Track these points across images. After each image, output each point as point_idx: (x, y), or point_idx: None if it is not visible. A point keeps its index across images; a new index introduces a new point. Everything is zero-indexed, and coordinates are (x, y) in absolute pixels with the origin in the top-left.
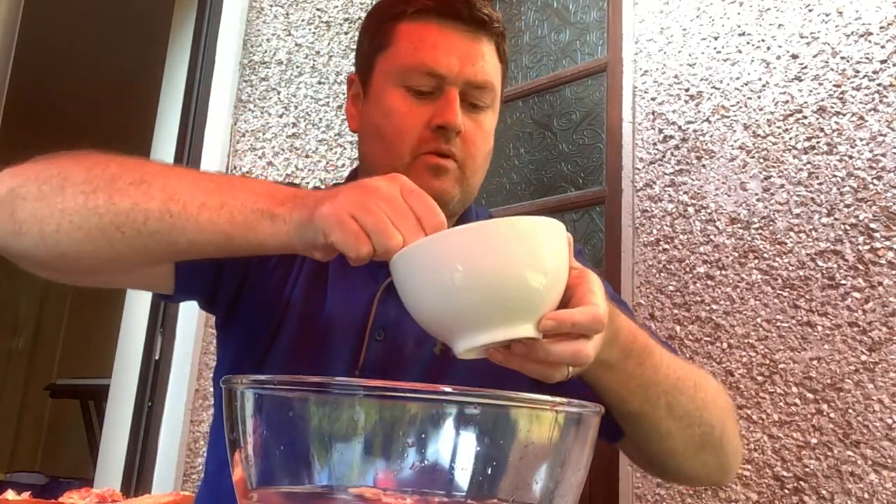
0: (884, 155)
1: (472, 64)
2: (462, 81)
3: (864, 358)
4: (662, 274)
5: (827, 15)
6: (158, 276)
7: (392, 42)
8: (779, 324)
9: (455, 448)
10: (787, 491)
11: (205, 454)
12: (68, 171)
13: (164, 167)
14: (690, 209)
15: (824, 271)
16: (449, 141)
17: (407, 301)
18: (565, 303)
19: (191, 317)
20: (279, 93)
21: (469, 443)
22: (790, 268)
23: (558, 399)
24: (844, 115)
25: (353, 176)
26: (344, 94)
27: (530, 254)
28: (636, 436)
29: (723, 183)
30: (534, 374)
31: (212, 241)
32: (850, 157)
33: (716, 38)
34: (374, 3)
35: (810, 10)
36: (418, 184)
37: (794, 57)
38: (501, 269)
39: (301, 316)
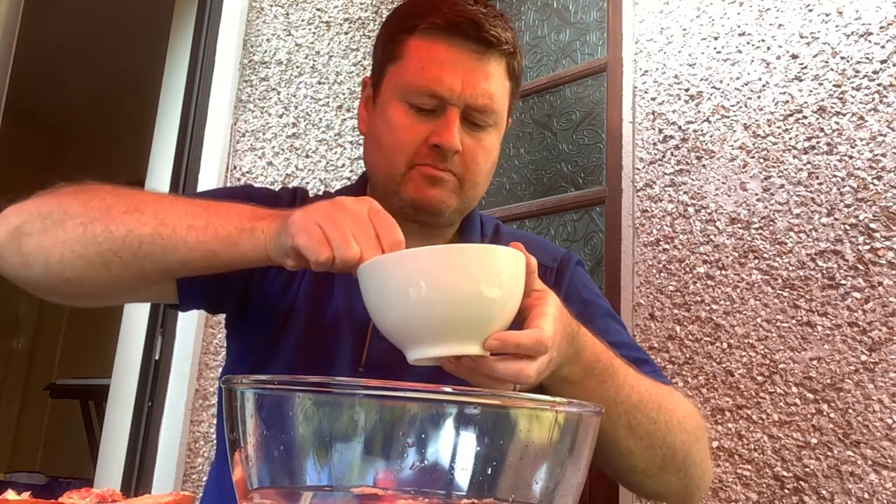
0: (884, 155)
1: (475, 87)
2: (463, 103)
3: (864, 358)
4: (662, 274)
5: (827, 15)
6: (161, 292)
7: (402, 56)
8: (779, 324)
9: (455, 448)
10: (787, 491)
11: (205, 454)
12: (67, 205)
13: (155, 195)
14: (690, 209)
15: (824, 271)
16: (446, 160)
17: (370, 308)
18: (520, 323)
19: (191, 317)
20: (279, 93)
21: (469, 443)
22: (790, 268)
23: (558, 399)
24: (844, 115)
25: (364, 180)
26: (343, 94)
27: (483, 280)
28: (598, 451)
29: (723, 183)
30: (480, 386)
31: (200, 257)
32: (850, 157)
33: (716, 38)
34: (374, 4)
35: (810, 10)
36: (414, 192)
37: (794, 57)
38: (457, 290)
39: (306, 315)
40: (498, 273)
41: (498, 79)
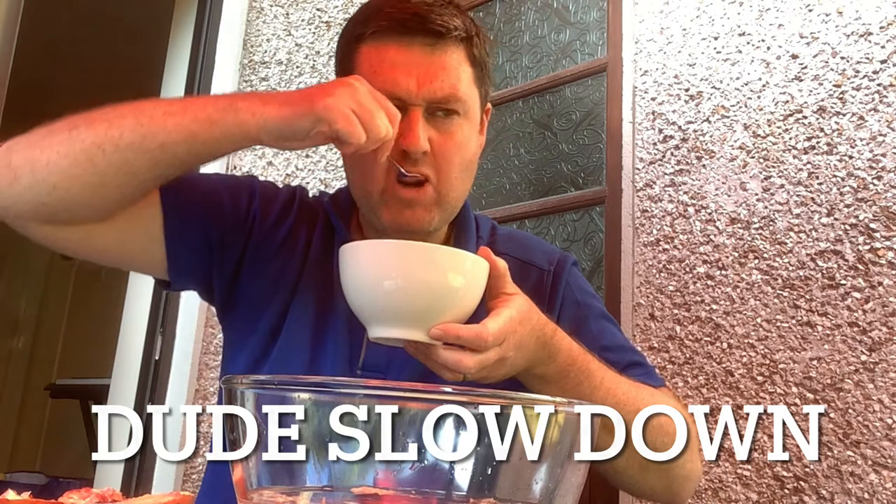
0: (884, 155)
1: (431, 81)
2: (423, 100)
3: (864, 358)
4: (662, 274)
5: (827, 15)
6: (150, 258)
7: (355, 66)
8: (779, 324)
9: (455, 448)
10: (787, 491)
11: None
12: (54, 123)
13: (137, 103)
14: (690, 209)
15: (824, 271)
16: (417, 162)
17: (343, 284)
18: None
19: (191, 317)
20: None
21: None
22: (790, 268)
23: (558, 399)
24: (844, 115)
25: (347, 194)
26: None
27: (449, 274)
28: None
29: (723, 183)
30: (433, 370)
31: (180, 140)
32: (850, 157)
33: (716, 38)
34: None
35: (810, 10)
36: (391, 218)
37: (794, 57)
38: (422, 282)
39: (304, 313)
40: (461, 272)
41: (457, 67)
